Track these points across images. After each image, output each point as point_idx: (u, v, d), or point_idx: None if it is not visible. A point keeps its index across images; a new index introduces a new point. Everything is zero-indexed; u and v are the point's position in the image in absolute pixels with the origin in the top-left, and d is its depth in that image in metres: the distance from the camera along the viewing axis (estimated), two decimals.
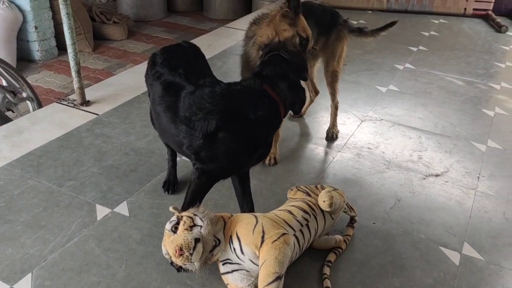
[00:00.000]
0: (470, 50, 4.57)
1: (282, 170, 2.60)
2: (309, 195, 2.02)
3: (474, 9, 5.47)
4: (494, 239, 2.16)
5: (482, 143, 2.95)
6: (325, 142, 2.91)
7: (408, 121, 3.18)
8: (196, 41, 4.67)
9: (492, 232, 2.21)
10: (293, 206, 1.94)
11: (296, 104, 1.95)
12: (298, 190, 2.06)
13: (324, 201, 1.92)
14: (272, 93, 1.84)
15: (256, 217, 1.81)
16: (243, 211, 2.11)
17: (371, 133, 3.03)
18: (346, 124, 3.11)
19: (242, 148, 1.83)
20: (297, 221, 1.86)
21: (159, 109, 1.95)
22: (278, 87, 1.86)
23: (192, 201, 1.85)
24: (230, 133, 1.79)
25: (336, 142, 2.92)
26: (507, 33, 5.03)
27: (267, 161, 2.60)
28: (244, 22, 5.42)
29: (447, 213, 2.33)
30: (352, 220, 2.18)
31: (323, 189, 2.05)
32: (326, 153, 2.80)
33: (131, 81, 3.58)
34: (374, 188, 2.50)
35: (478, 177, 2.61)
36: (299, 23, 2.16)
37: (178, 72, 1.96)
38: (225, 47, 4.37)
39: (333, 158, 2.76)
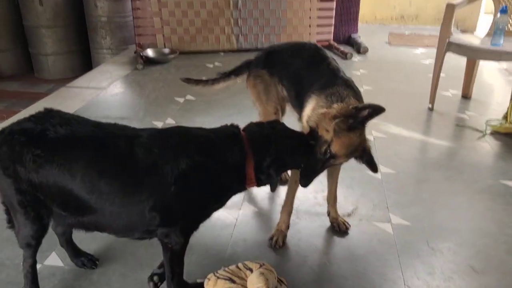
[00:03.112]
0: None
1: None
2: (234, 282, 1.58)
3: (317, 40, 5.70)
4: (431, 276, 1.98)
5: None
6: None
7: None
8: (33, 109, 3.91)
9: (426, 268, 2.02)
10: None
11: (271, 176, 1.69)
12: (218, 278, 1.61)
13: None
14: (246, 145, 1.65)
15: None
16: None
17: None
18: None
19: (213, 189, 1.64)
20: None
21: (100, 184, 1.49)
22: (256, 144, 1.66)
23: (179, 272, 1.69)
24: (204, 171, 1.58)
25: (233, 199, 2.53)
26: (352, 59, 5.32)
27: (273, 241, 2.15)
28: (88, 79, 4.83)
29: (374, 257, 2.09)
30: None
31: (247, 269, 1.63)
32: (226, 215, 2.39)
33: None
34: (293, 246, 2.16)
35: (387, 208, 2.46)
36: (344, 138, 1.73)
37: (99, 127, 1.60)
38: (72, 110, 3.70)
39: (236, 219, 2.36)
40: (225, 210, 2.38)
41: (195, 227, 1.68)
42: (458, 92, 4.20)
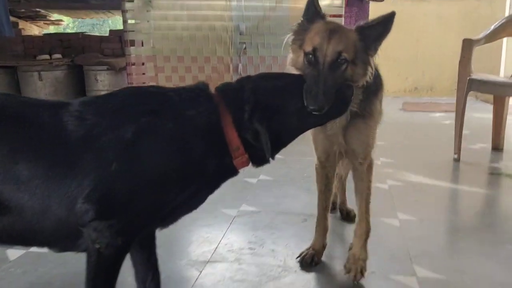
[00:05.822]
0: None
1: None
2: None
3: None
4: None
5: (393, 217, 2.22)
6: (186, 252, 1.88)
7: (291, 207, 2.35)
8: None
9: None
10: None
11: (257, 132, 1.20)
12: None
13: None
14: (217, 97, 1.25)
15: None
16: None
17: (250, 229, 2.11)
18: (212, 224, 2.14)
19: (176, 161, 1.15)
20: None
21: (15, 169, 1.05)
22: (230, 94, 1.26)
23: None
24: (156, 135, 1.13)
25: (202, 249, 1.91)
26: None
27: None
28: None
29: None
30: None
31: None
32: (189, 267, 1.76)
33: None
34: None
35: (410, 259, 1.80)
36: (307, 36, 1.44)
37: (11, 96, 1.22)
38: None
39: (200, 272, 1.72)
40: (187, 261, 1.79)
41: (142, 224, 1.15)
42: (487, 146, 3.62)
